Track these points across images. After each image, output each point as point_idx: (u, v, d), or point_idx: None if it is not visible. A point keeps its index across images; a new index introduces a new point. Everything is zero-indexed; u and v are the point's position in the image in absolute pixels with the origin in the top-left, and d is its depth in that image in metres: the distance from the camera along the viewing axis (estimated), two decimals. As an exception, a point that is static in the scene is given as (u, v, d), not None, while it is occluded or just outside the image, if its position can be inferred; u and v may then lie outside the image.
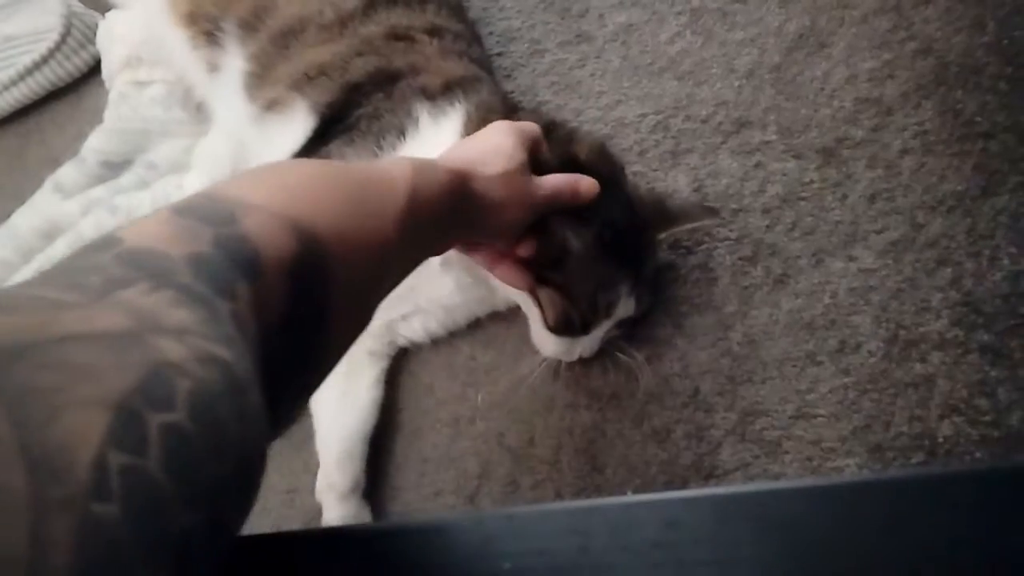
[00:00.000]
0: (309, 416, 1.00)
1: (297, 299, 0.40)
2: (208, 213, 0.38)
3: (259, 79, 0.97)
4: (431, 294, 0.92)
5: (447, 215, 0.61)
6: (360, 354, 0.96)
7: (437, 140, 0.85)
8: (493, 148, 0.68)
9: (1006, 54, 0.88)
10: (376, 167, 0.58)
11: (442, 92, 0.88)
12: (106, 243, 0.35)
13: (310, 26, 0.95)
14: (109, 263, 0.33)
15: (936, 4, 0.93)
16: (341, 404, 0.94)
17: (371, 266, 0.49)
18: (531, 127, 0.75)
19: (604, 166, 0.82)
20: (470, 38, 1.02)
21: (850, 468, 0.79)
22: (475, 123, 0.84)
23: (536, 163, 0.73)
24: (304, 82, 0.93)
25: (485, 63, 1.02)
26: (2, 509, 0.22)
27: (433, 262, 0.86)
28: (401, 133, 0.87)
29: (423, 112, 0.87)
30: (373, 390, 0.95)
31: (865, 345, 0.83)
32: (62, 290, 0.30)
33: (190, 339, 0.29)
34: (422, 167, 0.58)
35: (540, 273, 0.80)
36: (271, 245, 0.39)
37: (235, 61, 0.99)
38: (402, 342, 0.98)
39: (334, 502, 0.90)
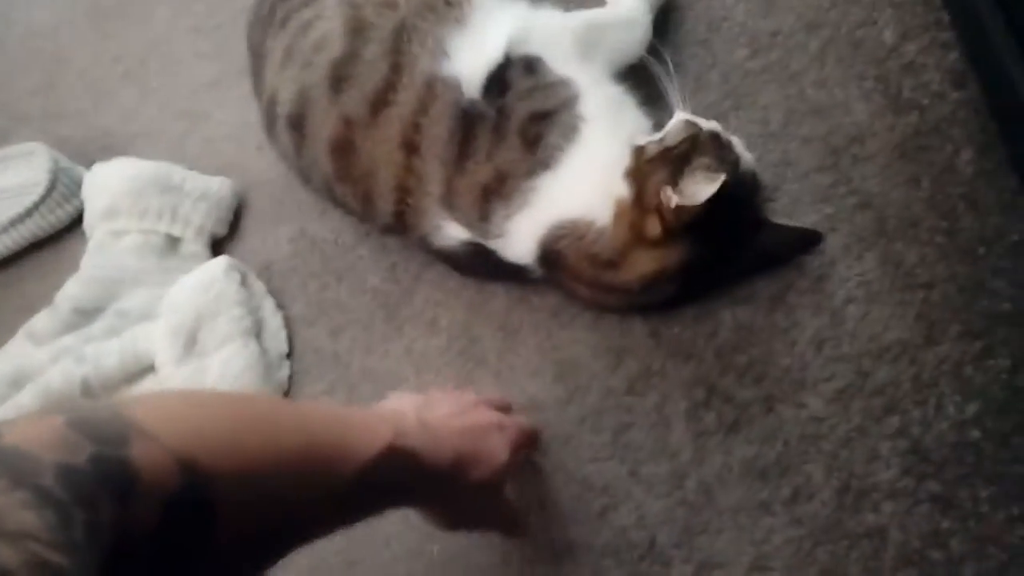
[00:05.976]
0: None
1: (169, 530, 0.41)
2: (99, 432, 0.40)
3: None
4: None
5: (410, 497, 0.71)
6: None
7: None
8: (488, 453, 0.74)
9: (940, 209, 0.92)
10: (348, 431, 0.62)
11: None
12: None
13: None
14: None
15: (874, 161, 0.98)
16: None
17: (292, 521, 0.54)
18: (525, 428, 0.84)
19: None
20: None
21: (807, 624, 0.77)
22: None
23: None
24: None
25: None
26: None
27: None
28: None
29: None
30: None
31: (818, 495, 0.83)
32: None
33: (28, 544, 0.30)
34: (403, 456, 0.64)
35: None
36: (153, 475, 0.40)
37: None
38: None
39: None
